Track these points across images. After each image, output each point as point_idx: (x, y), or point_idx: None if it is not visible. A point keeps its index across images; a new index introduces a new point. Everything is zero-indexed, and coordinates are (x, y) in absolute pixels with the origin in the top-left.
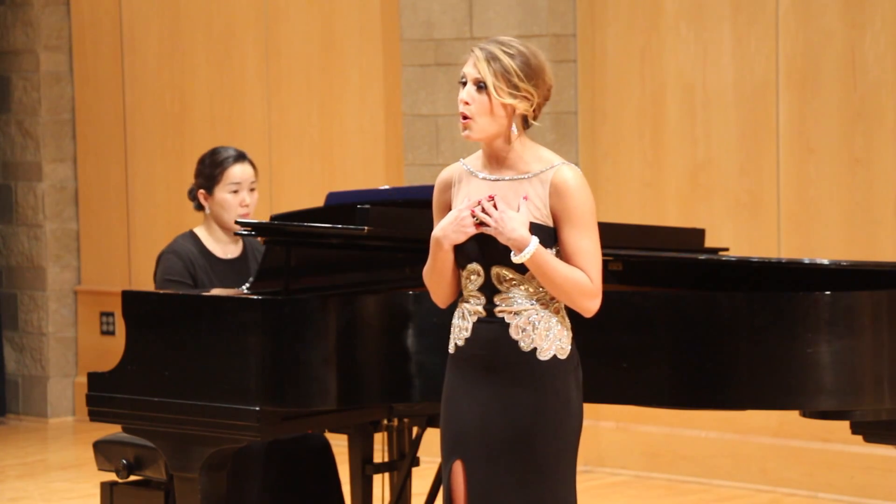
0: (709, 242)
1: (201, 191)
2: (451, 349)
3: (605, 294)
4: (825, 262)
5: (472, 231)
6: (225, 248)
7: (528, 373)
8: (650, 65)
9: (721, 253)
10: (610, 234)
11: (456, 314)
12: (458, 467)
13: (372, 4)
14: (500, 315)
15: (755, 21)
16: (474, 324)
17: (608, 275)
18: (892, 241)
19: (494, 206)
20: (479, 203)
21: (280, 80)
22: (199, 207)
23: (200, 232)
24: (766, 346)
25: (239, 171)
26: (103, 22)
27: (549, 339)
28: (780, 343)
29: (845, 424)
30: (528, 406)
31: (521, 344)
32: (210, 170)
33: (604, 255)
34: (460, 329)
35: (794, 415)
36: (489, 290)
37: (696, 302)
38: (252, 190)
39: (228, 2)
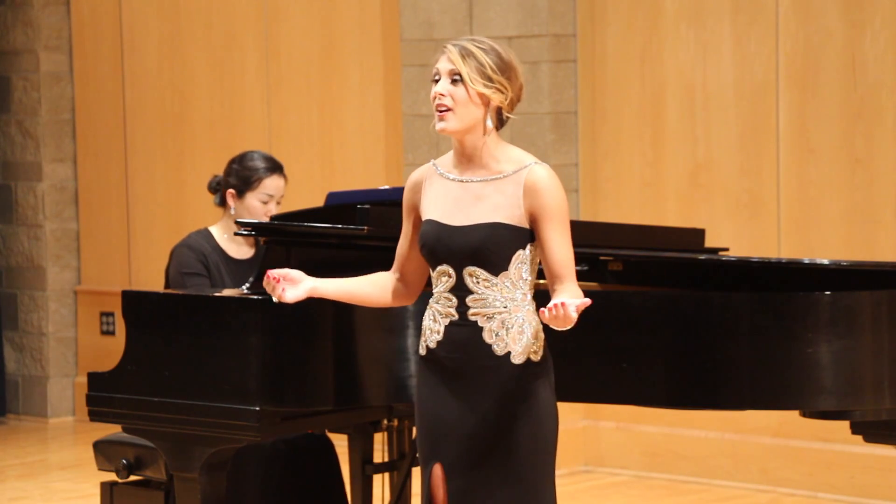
0: (709, 242)
1: (231, 191)
2: (422, 351)
3: (606, 294)
4: (825, 262)
5: (278, 298)
6: (238, 249)
7: (501, 376)
8: (650, 65)
9: (721, 253)
10: (610, 234)
11: (427, 315)
12: (437, 470)
13: (372, 4)
14: (472, 318)
15: (755, 21)
16: (446, 326)
17: (608, 275)
18: (892, 241)
19: (275, 281)
20: (268, 276)
21: (280, 80)
22: (222, 203)
23: (215, 231)
24: (766, 346)
25: (275, 184)
26: (103, 22)
27: (521, 342)
28: (780, 343)
29: (845, 424)
30: (502, 410)
31: (495, 348)
32: (247, 173)
33: (604, 255)
34: (431, 331)
35: (794, 415)
36: (461, 292)
37: (697, 302)
38: (279, 202)
39: (228, 2)
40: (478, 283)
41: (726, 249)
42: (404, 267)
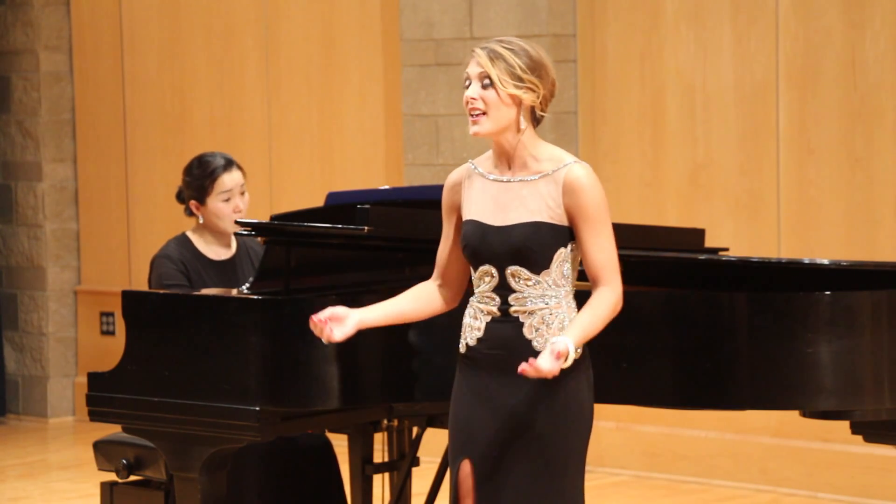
0: (709, 242)
1: (192, 201)
2: (462, 349)
3: None
4: (825, 262)
5: (327, 339)
6: (217, 251)
7: None
8: (650, 65)
9: (721, 253)
10: None
11: (467, 313)
12: (466, 466)
13: (372, 4)
14: (514, 314)
15: (755, 21)
16: (487, 323)
17: None
18: (892, 241)
19: (322, 323)
20: (312, 320)
21: (280, 80)
22: (190, 214)
23: (192, 235)
24: (766, 346)
25: (229, 180)
26: (103, 22)
27: None
28: (780, 343)
29: (845, 424)
30: (540, 405)
31: (535, 343)
32: (199, 181)
33: None
34: (472, 329)
35: (794, 415)
36: (503, 291)
37: (696, 302)
38: (243, 193)
39: (228, 2)
40: (520, 281)
41: (726, 249)
42: (446, 271)
